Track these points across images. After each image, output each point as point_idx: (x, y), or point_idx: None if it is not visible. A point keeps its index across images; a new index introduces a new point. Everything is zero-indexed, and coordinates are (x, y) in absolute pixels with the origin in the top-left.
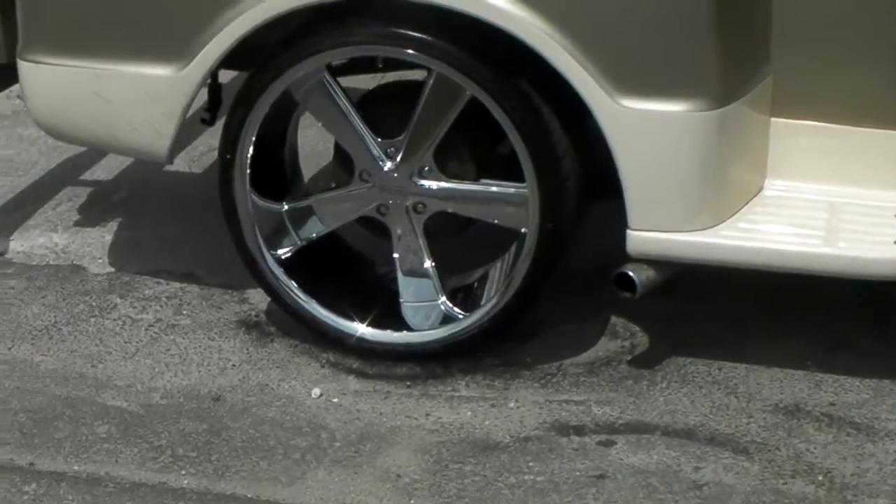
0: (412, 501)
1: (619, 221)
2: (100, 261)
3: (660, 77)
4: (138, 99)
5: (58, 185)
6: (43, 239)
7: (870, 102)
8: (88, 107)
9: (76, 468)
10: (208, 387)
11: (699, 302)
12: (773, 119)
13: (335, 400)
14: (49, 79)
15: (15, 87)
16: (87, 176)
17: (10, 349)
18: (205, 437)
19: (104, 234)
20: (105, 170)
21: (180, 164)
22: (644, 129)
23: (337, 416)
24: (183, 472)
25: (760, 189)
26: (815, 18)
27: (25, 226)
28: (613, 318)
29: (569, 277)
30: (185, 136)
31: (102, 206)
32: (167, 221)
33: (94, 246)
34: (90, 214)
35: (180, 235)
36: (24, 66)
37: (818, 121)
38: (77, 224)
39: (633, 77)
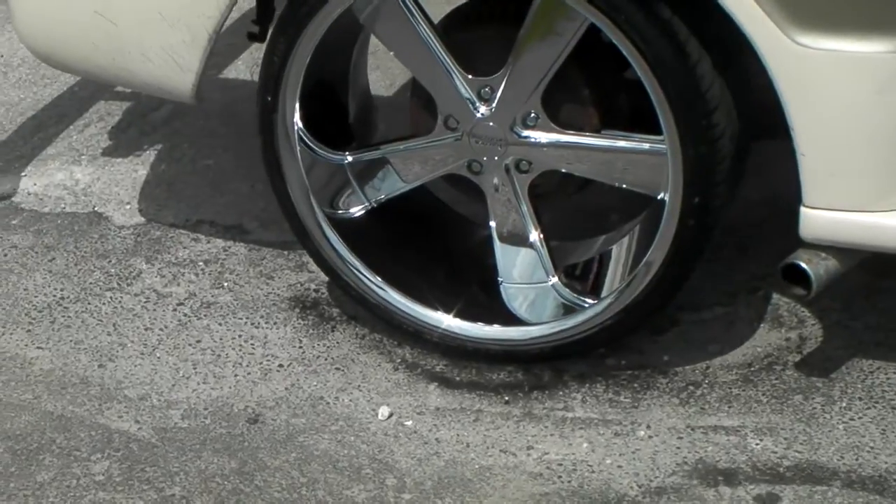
0: None
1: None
2: (127, 206)
3: (853, 5)
4: (152, 21)
5: (88, 98)
6: (62, 174)
7: None
8: (90, 30)
9: None
10: (245, 400)
11: (891, 278)
12: None
13: (408, 423)
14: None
15: None
16: (114, 95)
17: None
18: (232, 483)
19: (137, 168)
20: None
21: (241, 71)
22: (829, 75)
23: (409, 450)
24: None
25: None
26: None
27: (43, 155)
28: (775, 298)
29: (716, 236)
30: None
31: (140, 127)
32: (217, 150)
33: (122, 185)
34: (123, 139)
35: (231, 169)
36: None
37: None
38: (105, 153)
39: (817, 5)
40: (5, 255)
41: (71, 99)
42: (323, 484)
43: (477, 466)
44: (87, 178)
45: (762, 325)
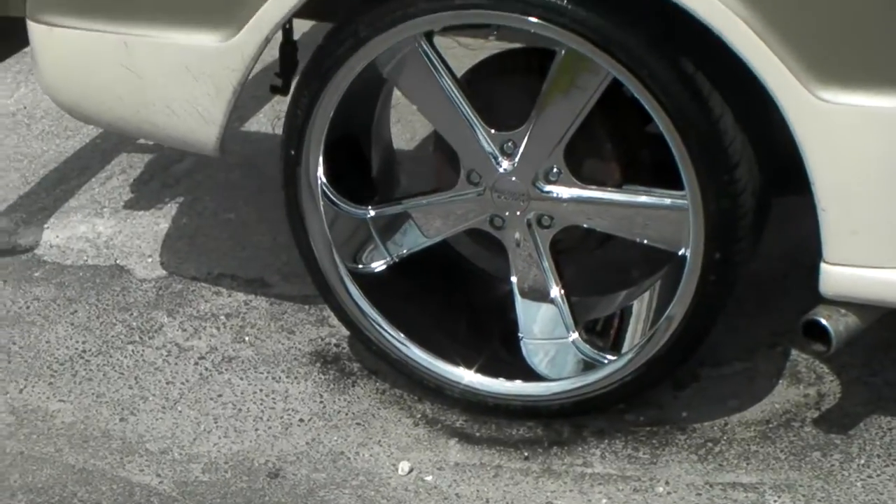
0: None
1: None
2: (149, 259)
3: (875, 60)
4: (177, 74)
5: (111, 151)
6: (84, 227)
7: None
8: (115, 83)
9: None
10: (266, 454)
11: None
12: None
13: (429, 478)
14: (66, 46)
15: None
16: (137, 147)
17: (21, 391)
18: None
19: (158, 221)
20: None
21: (262, 124)
22: (850, 130)
23: (432, 496)
24: None
25: None
26: None
27: (66, 207)
28: (794, 354)
29: (737, 291)
30: (264, 92)
31: (162, 179)
32: (239, 203)
33: (144, 238)
34: (145, 192)
35: (253, 222)
36: (34, 29)
37: None
38: (128, 206)
39: (839, 61)
40: (28, 308)
41: (93, 151)
42: None
43: None
44: (110, 230)
45: (781, 381)
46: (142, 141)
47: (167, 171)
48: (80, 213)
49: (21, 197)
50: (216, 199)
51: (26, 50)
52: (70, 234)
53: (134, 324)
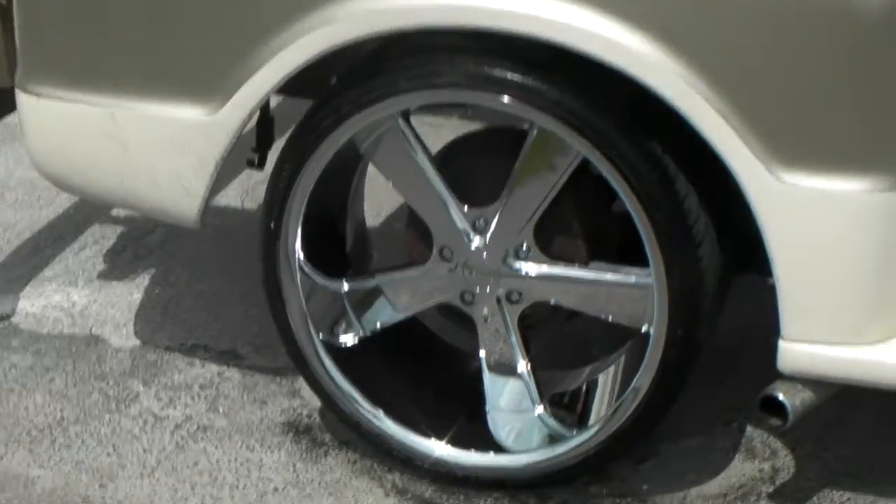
0: None
1: (763, 294)
2: (124, 329)
3: (830, 147)
4: (161, 146)
5: (84, 221)
6: (59, 297)
7: None
8: (100, 153)
9: None
10: None
11: (862, 409)
12: None
13: None
14: (52, 116)
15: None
16: (119, 211)
17: (1, 458)
18: None
19: (132, 291)
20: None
21: (232, 198)
22: (810, 211)
23: None
24: None
25: None
26: None
27: (40, 277)
28: (749, 430)
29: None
30: (235, 165)
31: (134, 250)
32: (210, 273)
33: (118, 307)
34: (118, 262)
35: (224, 293)
36: (22, 99)
37: None
38: (101, 276)
39: (801, 145)
40: (5, 375)
41: (67, 221)
42: None
43: None
44: (84, 299)
45: (737, 455)
46: (115, 212)
47: (140, 242)
48: (55, 283)
49: None
50: (189, 269)
51: None
52: (45, 302)
53: (110, 392)
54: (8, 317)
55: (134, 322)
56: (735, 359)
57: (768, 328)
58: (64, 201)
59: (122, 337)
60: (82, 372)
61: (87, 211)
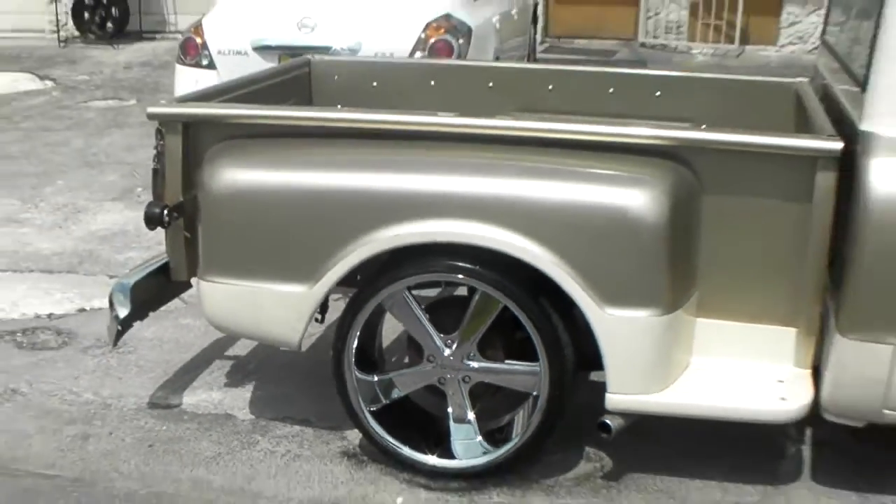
0: None
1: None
2: (244, 410)
3: (633, 295)
4: (282, 306)
5: (211, 358)
6: (205, 395)
7: (761, 310)
8: (247, 311)
9: None
10: (328, 496)
11: (647, 436)
12: (696, 318)
13: None
14: (221, 293)
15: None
16: (230, 352)
17: (192, 472)
18: None
19: (245, 392)
20: (241, 348)
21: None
22: (621, 327)
23: None
24: None
25: (689, 364)
26: (724, 259)
27: (192, 387)
28: (587, 448)
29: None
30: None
31: (242, 372)
32: (287, 383)
33: (238, 400)
34: (234, 378)
35: (296, 392)
36: (203, 284)
37: (726, 320)
38: (227, 385)
39: (616, 295)
40: (185, 432)
41: (201, 359)
42: None
43: None
44: (219, 397)
45: (583, 460)
46: (228, 352)
47: (244, 368)
48: (201, 389)
49: None
50: (275, 380)
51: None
52: (198, 398)
53: (244, 440)
54: (178, 405)
55: (249, 407)
56: (580, 418)
57: (600, 392)
58: (196, 350)
59: (244, 414)
60: (227, 430)
61: (211, 353)
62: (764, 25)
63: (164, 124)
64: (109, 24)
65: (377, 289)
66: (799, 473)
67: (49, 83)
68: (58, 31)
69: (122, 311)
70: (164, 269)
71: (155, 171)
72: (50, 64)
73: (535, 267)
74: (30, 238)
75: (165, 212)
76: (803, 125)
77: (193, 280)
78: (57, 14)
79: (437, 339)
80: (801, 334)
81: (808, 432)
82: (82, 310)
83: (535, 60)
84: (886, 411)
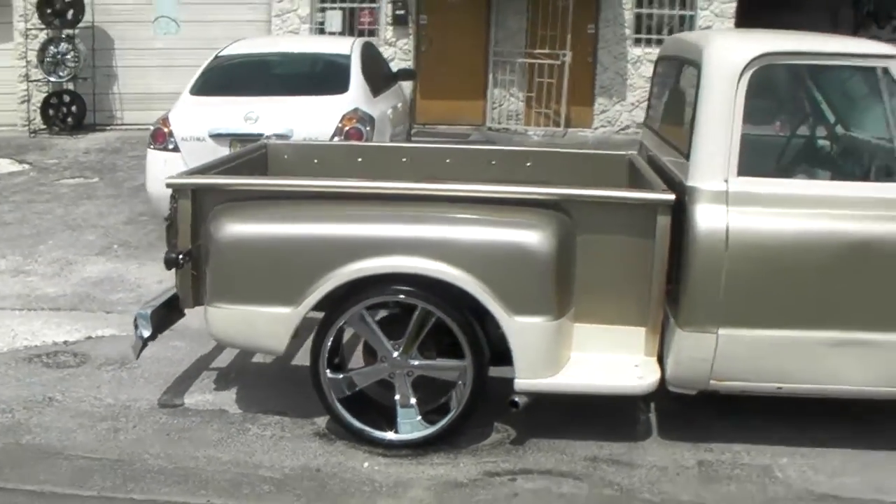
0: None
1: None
2: (234, 406)
3: (532, 306)
4: (271, 323)
5: (200, 370)
6: (200, 397)
7: (619, 315)
8: (245, 329)
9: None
10: (312, 464)
11: (545, 409)
12: (575, 324)
13: (376, 468)
14: (224, 316)
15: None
16: (213, 365)
17: (205, 452)
18: (316, 482)
19: (231, 394)
20: (221, 361)
21: (259, 357)
22: (525, 330)
23: (380, 473)
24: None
25: (569, 357)
26: (592, 279)
27: (189, 391)
28: (496, 423)
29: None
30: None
31: (226, 379)
32: (261, 385)
33: (227, 399)
34: (221, 384)
35: (270, 392)
36: (210, 309)
37: (595, 323)
38: (216, 389)
39: (520, 306)
40: (189, 427)
41: (191, 371)
42: (355, 484)
43: (406, 478)
44: (210, 398)
45: (493, 431)
46: (213, 365)
47: (228, 376)
48: (197, 392)
49: None
50: (253, 385)
51: None
52: (195, 399)
53: (237, 428)
54: (182, 405)
55: (236, 404)
56: (492, 403)
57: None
58: (186, 364)
59: (234, 409)
60: (223, 421)
61: (198, 366)
62: (582, 113)
63: (177, 191)
64: (70, 119)
65: (343, 309)
66: (650, 433)
67: (26, 166)
68: (29, 125)
69: (146, 332)
70: (168, 303)
71: (168, 226)
72: (24, 151)
73: (461, 288)
74: (36, 284)
75: (181, 257)
76: (637, 184)
77: (187, 310)
78: (29, 111)
79: (388, 343)
80: (649, 332)
81: (652, 405)
82: (89, 337)
83: (410, 141)
84: (712, 381)
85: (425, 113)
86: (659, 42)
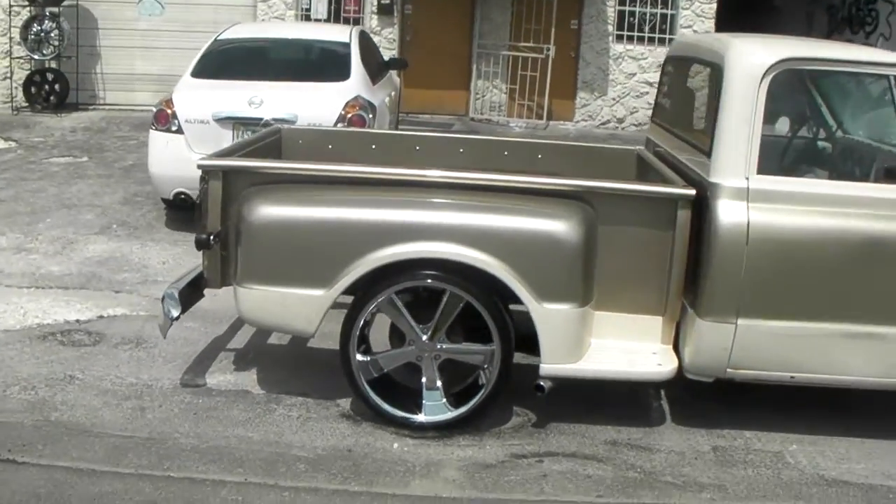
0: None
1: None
2: (256, 387)
3: (560, 294)
4: (303, 304)
5: (217, 350)
6: (221, 377)
7: (639, 305)
8: (276, 310)
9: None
10: (342, 444)
11: (560, 395)
12: (597, 311)
13: (406, 449)
14: (255, 296)
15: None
16: (230, 346)
17: (234, 431)
18: (350, 461)
19: (252, 375)
20: (238, 342)
21: (274, 339)
22: (552, 316)
23: (410, 454)
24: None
25: (591, 343)
26: (614, 269)
27: (210, 371)
28: (515, 407)
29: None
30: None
31: (245, 360)
32: (280, 367)
33: (249, 380)
34: (240, 364)
35: (290, 374)
36: (239, 290)
37: (614, 311)
38: (236, 370)
39: (548, 293)
40: (215, 406)
41: (209, 353)
42: (385, 462)
43: (437, 459)
44: (233, 378)
45: (514, 415)
46: (230, 346)
47: (246, 357)
48: (217, 373)
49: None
50: (273, 367)
51: None
52: (216, 380)
53: (261, 409)
54: (205, 384)
55: (258, 385)
56: (514, 388)
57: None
58: (201, 346)
59: (257, 390)
60: (247, 402)
61: (216, 347)
62: (564, 106)
63: (208, 172)
64: (52, 97)
65: (375, 293)
66: (664, 419)
67: (13, 143)
68: (11, 102)
69: (175, 312)
70: (192, 283)
71: (197, 207)
72: (9, 128)
73: (491, 274)
74: (40, 262)
75: (212, 238)
76: (646, 177)
77: (206, 291)
78: (11, 89)
79: (416, 327)
80: (666, 321)
81: (663, 393)
82: (101, 316)
83: (398, 128)
84: (729, 370)
85: (408, 101)
86: (640, 39)
